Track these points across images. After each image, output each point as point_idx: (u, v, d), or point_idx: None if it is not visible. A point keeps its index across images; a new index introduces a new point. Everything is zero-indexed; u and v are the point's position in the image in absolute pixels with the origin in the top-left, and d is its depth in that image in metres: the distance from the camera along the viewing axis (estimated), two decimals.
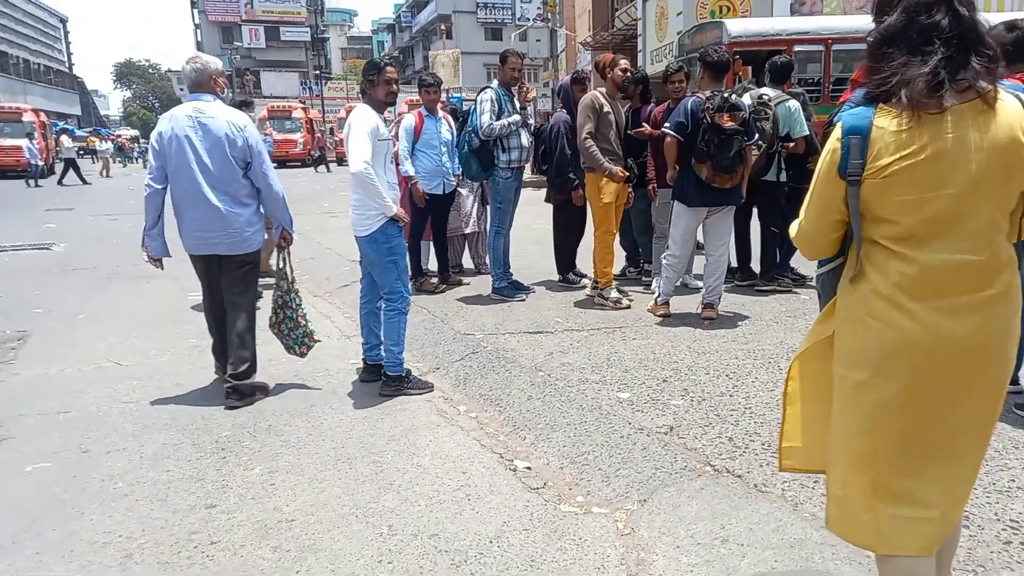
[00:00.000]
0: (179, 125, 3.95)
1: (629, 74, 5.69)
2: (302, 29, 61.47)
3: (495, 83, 6.08)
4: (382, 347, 4.31)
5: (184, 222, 4.06)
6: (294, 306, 4.36)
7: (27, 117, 28.36)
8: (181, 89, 61.98)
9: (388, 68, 4.20)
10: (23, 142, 25.24)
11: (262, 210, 4.19)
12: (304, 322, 4.39)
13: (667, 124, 5.31)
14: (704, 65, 5.20)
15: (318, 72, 55.82)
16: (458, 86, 29.38)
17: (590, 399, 3.90)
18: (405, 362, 4.26)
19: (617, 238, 6.15)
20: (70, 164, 24.54)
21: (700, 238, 5.96)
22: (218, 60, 4.22)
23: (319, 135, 32.72)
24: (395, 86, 4.20)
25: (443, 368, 4.66)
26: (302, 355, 4.46)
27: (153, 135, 4.08)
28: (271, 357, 4.64)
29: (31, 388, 4.47)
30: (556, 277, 6.76)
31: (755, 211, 6.25)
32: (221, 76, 4.12)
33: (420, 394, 4.20)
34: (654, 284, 6.08)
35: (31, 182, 23.44)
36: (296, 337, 4.40)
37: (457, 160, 6.29)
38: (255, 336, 4.23)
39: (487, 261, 6.89)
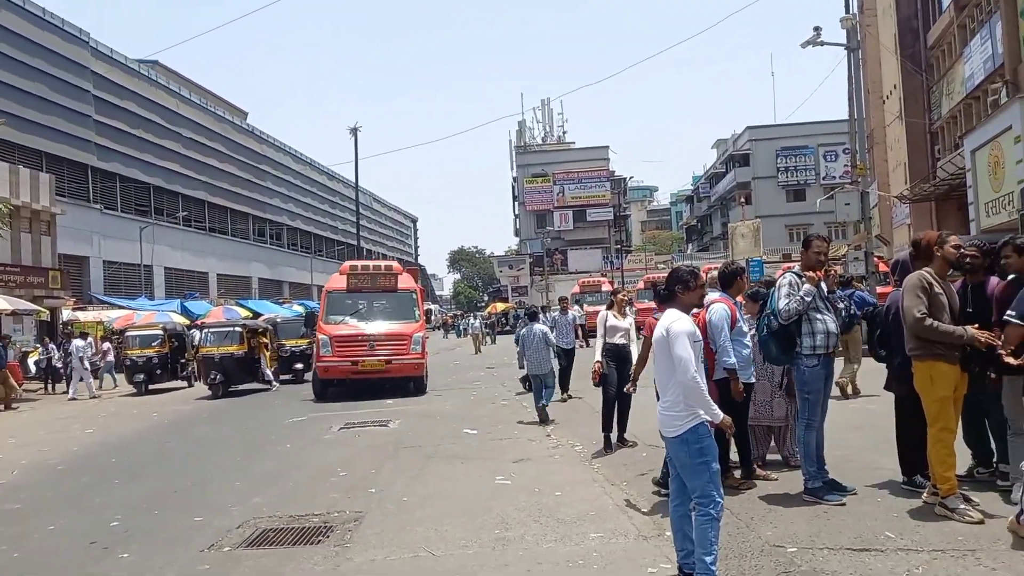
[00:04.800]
0: None
1: (962, 251, 5.06)
2: (606, 210, 66.33)
3: (796, 267, 5.85)
4: None
5: None
6: None
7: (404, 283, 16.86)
8: (500, 271, 69.88)
9: (701, 275, 4.41)
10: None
11: None
12: None
13: (1011, 311, 4.54)
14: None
15: (619, 247, 59.11)
16: (759, 254, 29.03)
17: None
18: (718, 572, 3.97)
19: (961, 432, 5.25)
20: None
21: None
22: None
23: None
24: (707, 290, 4.41)
25: None
26: None
27: None
28: (567, 559, 4.58)
29: (360, 575, 4.91)
30: (885, 475, 5.90)
31: None
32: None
33: None
34: (1015, 494, 4.97)
35: None
36: None
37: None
38: None
39: (797, 455, 6.31)
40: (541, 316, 13.64)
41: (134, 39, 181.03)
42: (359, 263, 17.55)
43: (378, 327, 15.44)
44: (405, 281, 16.60)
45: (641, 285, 38.69)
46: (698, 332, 4.18)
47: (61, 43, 37.25)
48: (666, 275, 4.59)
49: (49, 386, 21.71)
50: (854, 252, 16.72)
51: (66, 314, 29.04)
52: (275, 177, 63.16)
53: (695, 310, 4.86)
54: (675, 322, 4.12)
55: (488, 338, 33.48)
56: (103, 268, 39.18)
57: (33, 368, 22.25)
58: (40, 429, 13.65)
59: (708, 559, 3.92)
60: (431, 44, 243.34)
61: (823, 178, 58.70)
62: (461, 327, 46.65)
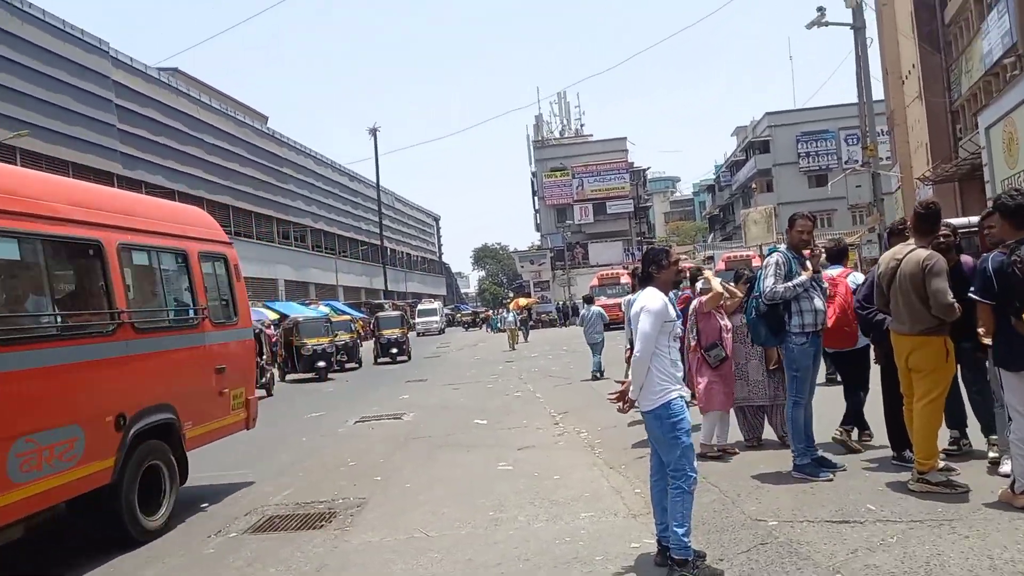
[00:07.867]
0: None
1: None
2: (626, 202, 66.03)
3: (783, 246, 5.90)
4: None
5: None
6: None
7: None
8: (522, 267, 69.94)
9: (673, 250, 4.59)
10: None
11: None
12: None
13: (972, 289, 4.60)
14: (1003, 212, 4.49)
15: (640, 238, 58.88)
16: (772, 241, 28.64)
17: None
18: (692, 544, 4.09)
19: None
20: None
21: None
22: None
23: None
24: (681, 265, 4.51)
25: (727, 560, 4.29)
26: None
27: None
28: (555, 537, 4.73)
29: (355, 555, 5.11)
30: (881, 453, 5.95)
31: None
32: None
33: None
34: (1004, 467, 5.01)
35: None
36: None
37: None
38: None
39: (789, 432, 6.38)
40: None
41: (153, 46, 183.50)
42: None
43: None
44: None
45: None
46: (671, 311, 4.28)
47: (82, 54, 38.01)
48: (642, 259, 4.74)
49: None
50: (867, 235, 16.58)
51: None
52: (297, 180, 63.81)
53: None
54: (649, 300, 4.25)
55: (521, 334, 31.47)
56: None
57: None
58: None
59: (680, 531, 4.03)
60: (447, 40, 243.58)
61: (845, 162, 57.79)
62: (496, 323, 45.12)
